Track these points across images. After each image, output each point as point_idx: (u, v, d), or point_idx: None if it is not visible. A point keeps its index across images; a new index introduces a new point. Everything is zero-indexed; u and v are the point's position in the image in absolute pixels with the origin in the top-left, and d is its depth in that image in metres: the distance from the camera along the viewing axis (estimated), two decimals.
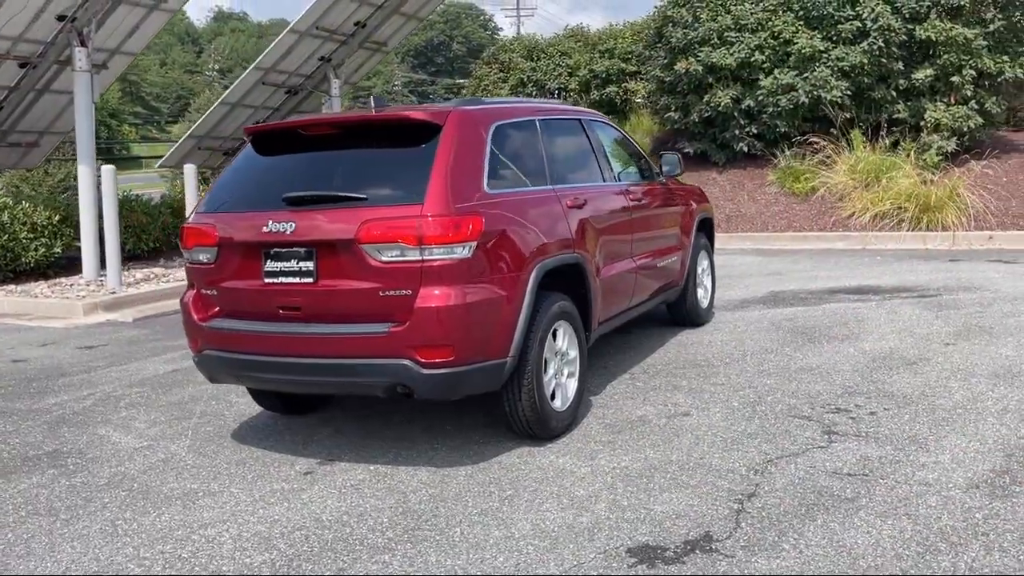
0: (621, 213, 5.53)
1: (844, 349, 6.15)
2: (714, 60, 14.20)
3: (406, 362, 3.94)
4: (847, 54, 13.51)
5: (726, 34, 14.29)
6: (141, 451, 4.82)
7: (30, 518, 3.95)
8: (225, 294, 4.39)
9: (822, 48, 13.68)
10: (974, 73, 13.29)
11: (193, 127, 16.93)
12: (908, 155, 13.05)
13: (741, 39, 14.20)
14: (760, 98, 14.07)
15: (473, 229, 3.98)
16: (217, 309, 4.46)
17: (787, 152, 14.21)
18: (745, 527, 3.44)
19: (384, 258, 3.94)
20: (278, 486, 4.19)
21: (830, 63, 13.61)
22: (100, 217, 10.70)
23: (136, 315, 9.18)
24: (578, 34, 22.46)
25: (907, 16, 13.40)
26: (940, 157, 13.15)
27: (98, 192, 10.87)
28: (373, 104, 4.69)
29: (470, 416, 5.01)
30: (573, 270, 4.72)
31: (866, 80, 13.64)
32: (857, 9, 13.60)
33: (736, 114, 14.42)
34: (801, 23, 13.99)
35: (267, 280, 4.24)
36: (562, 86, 20.82)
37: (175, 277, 11.04)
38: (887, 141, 13.58)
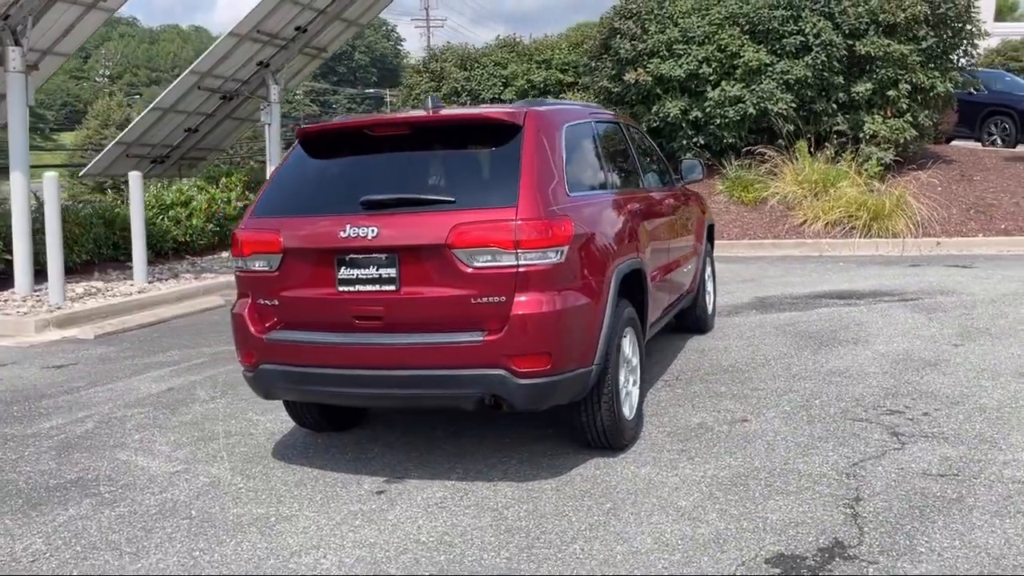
0: (661, 218, 5.50)
1: (860, 352, 6.26)
2: (663, 71, 14.43)
3: (501, 372, 3.77)
4: (791, 68, 13.95)
5: (674, 46, 14.54)
6: (180, 476, 4.46)
7: (90, 554, 3.59)
8: (289, 304, 4.11)
9: (768, 62, 14.08)
10: (909, 87, 13.92)
11: (122, 134, 16.10)
12: (850, 165, 13.55)
13: (689, 51, 14.47)
14: (708, 109, 14.36)
15: (565, 233, 3.85)
16: (278, 320, 4.17)
17: (734, 162, 14.54)
18: (871, 532, 3.41)
19: (477, 264, 3.76)
20: (355, 507, 3.93)
21: (775, 76, 14.02)
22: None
23: (97, 331, 8.58)
24: (511, 44, 22.49)
25: (847, 32, 13.93)
26: (880, 167, 13.71)
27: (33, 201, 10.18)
28: (431, 103, 4.49)
29: (516, 428, 4.85)
30: (636, 276, 4.64)
31: (809, 93, 14.11)
32: (800, 24, 14.06)
33: (684, 125, 14.67)
34: (747, 37, 14.37)
35: (341, 289, 3.99)
36: (496, 96, 20.81)
37: (120, 291, 10.43)
38: (830, 152, 14.06)
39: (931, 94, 14.08)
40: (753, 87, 14.04)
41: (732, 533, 3.46)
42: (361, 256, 3.93)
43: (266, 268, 4.14)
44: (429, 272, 3.86)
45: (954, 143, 17.61)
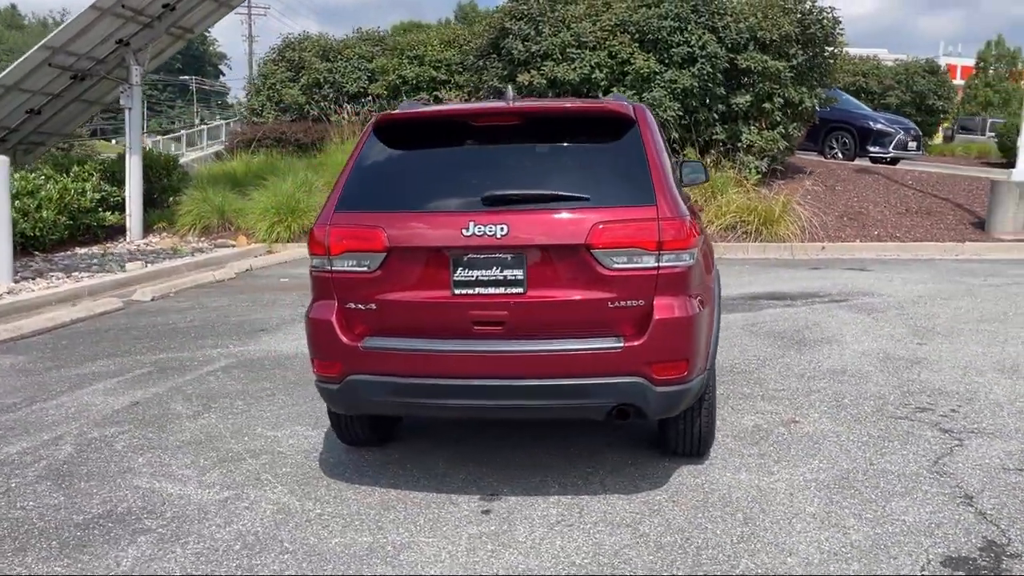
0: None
1: (842, 352, 6.54)
2: (557, 75, 14.53)
3: (639, 380, 3.57)
4: (679, 77, 14.47)
5: (568, 50, 14.68)
6: (235, 503, 3.92)
7: None
8: (390, 308, 3.69)
9: (657, 70, 14.53)
10: (782, 101, 14.83)
11: None
12: (730, 173, 14.26)
13: (582, 56, 14.66)
14: None
15: (695, 234, 3.72)
16: (374, 326, 3.74)
17: None
18: (1012, 529, 3.53)
19: (616, 265, 3.55)
20: (473, 530, 3.61)
21: (664, 85, 14.49)
22: None
23: None
24: (374, 37, 21.89)
25: (729, 46, 14.63)
26: (758, 176, 14.52)
27: None
28: (510, 95, 4.19)
29: (575, 437, 4.66)
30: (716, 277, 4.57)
31: (694, 103, 14.69)
32: (687, 35, 14.61)
33: None
34: (637, 45, 14.75)
35: (457, 292, 3.63)
36: (362, 90, 20.20)
37: None
38: (711, 160, 14.72)
39: (800, 108, 15.09)
40: (644, 94, 14.42)
41: (887, 538, 3.47)
42: (483, 256, 3.59)
43: (363, 268, 3.70)
44: (560, 273, 3.60)
45: (799, 155, 18.98)
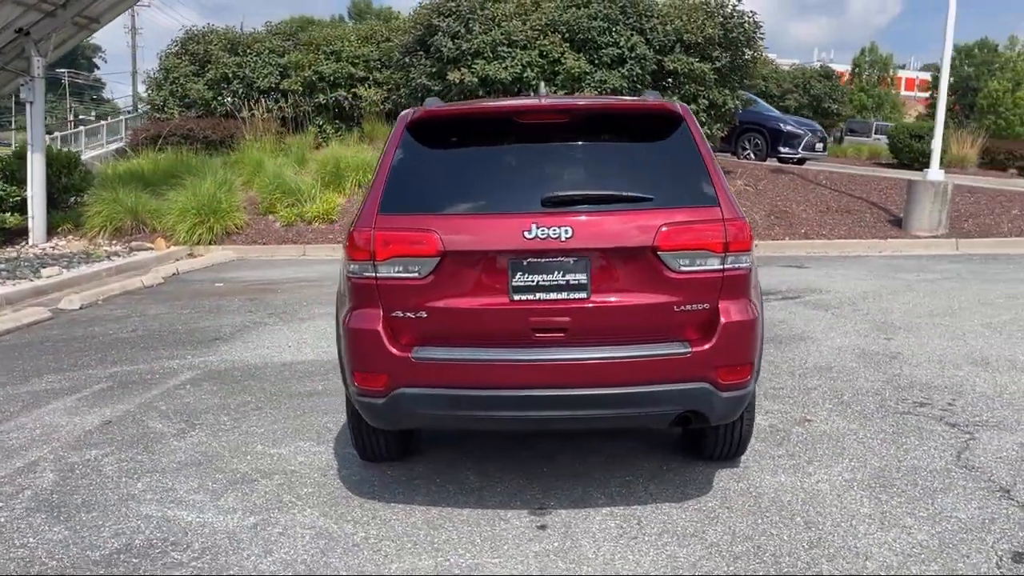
0: None
1: (819, 348, 6.66)
2: (489, 73, 14.38)
3: (706, 386, 3.48)
4: (609, 77, 14.57)
5: (499, 48, 14.56)
6: (263, 529, 3.62)
7: None
8: (442, 316, 3.47)
9: (587, 70, 14.59)
10: (707, 103, 15.14)
11: None
12: None
13: (514, 55, 14.57)
14: None
15: (751, 235, 3.65)
16: (423, 336, 3.51)
17: None
18: None
19: (683, 268, 3.44)
20: (537, 547, 3.44)
21: (595, 84, 14.55)
22: None
23: None
24: (284, 31, 21.20)
25: (657, 48, 14.84)
26: None
27: None
28: (544, 91, 4.03)
29: (599, 443, 4.55)
30: None
31: None
32: (615, 36, 14.73)
33: None
34: (568, 45, 14.76)
35: (516, 297, 3.44)
36: (273, 86, 19.51)
37: None
38: None
39: (723, 110, 15.44)
40: (575, 94, 14.46)
41: (950, 536, 3.50)
42: (544, 260, 3.42)
43: (412, 274, 3.46)
44: (625, 277, 3.46)
45: (716, 156, 19.50)
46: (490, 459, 4.37)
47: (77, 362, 6.57)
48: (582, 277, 3.43)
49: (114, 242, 13.78)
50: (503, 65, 14.48)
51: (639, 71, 14.59)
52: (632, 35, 14.67)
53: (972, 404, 5.21)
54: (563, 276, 3.43)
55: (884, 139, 28.62)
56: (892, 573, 3.21)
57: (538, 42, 14.68)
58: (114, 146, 22.99)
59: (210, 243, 13.56)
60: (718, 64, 15.14)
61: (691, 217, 3.46)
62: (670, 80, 15.05)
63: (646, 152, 3.73)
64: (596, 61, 14.75)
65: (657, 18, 14.90)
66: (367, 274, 3.53)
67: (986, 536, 3.48)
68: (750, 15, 15.45)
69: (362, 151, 16.46)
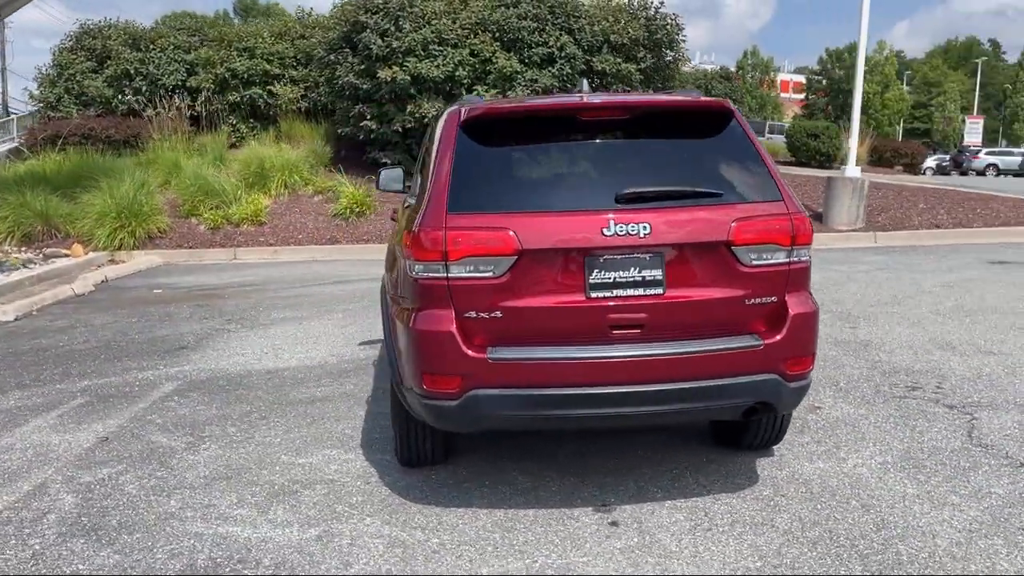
0: None
1: None
2: (422, 71, 14.24)
3: (775, 377, 3.56)
4: (539, 77, 14.68)
5: (430, 47, 14.44)
6: (330, 541, 3.50)
7: None
8: (517, 316, 3.41)
9: (518, 69, 14.64)
10: None
11: None
12: None
13: (445, 53, 14.47)
14: None
15: (812, 229, 3.76)
16: (496, 336, 3.45)
17: None
18: None
19: (755, 262, 3.51)
20: (619, 544, 3.44)
21: (526, 84, 14.63)
22: None
23: None
24: (190, 27, 20.42)
25: (585, 48, 15.05)
26: None
27: None
28: (585, 88, 4.03)
29: (629, 437, 4.60)
30: None
31: None
32: (545, 36, 14.85)
33: None
34: (498, 44, 14.78)
35: (593, 295, 3.43)
36: (180, 83, 18.76)
37: None
38: None
39: None
40: (508, 93, 14.50)
41: (1000, 511, 3.69)
42: (620, 257, 3.43)
43: (487, 274, 3.40)
44: (698, 272, 3.51)
45: None
46: (528, 458, 4.34)
47: (39, 376, 6.15)
48: (658, 273, 3.45)
49: (24, 249, 12.93)
50: (435, 63, 14.38)
51: (569, 70, 14.76)
52: (561, 35, 14.83)
53: (958, 387, 5.51)
54: (639, 272, 3.44)
55: (777, 138, 29.88)
56: (965, 549, 3.36)
57: (468, 41, 14.65)
58: (5, 147, 21.56)
59: (132, 248, 12.91)
60: (643, 65, 15.48)
61: (761, 212, 3.53)
62: (598, 80, 15.28)
63: (704, 148, 3.78)
64: (527, 60, 14.83)
65: (584, 18, 15.12)
66: (437, 275, 3.45)
67: None
68: (672, 17, 15.90)
69: (285, 151, 16.04)
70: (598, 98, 3.96)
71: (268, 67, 18.36)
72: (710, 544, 3.43)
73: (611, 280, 3.43)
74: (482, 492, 3.97)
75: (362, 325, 7.68)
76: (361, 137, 15.16)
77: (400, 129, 14.65)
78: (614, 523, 3.64)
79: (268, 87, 18.30)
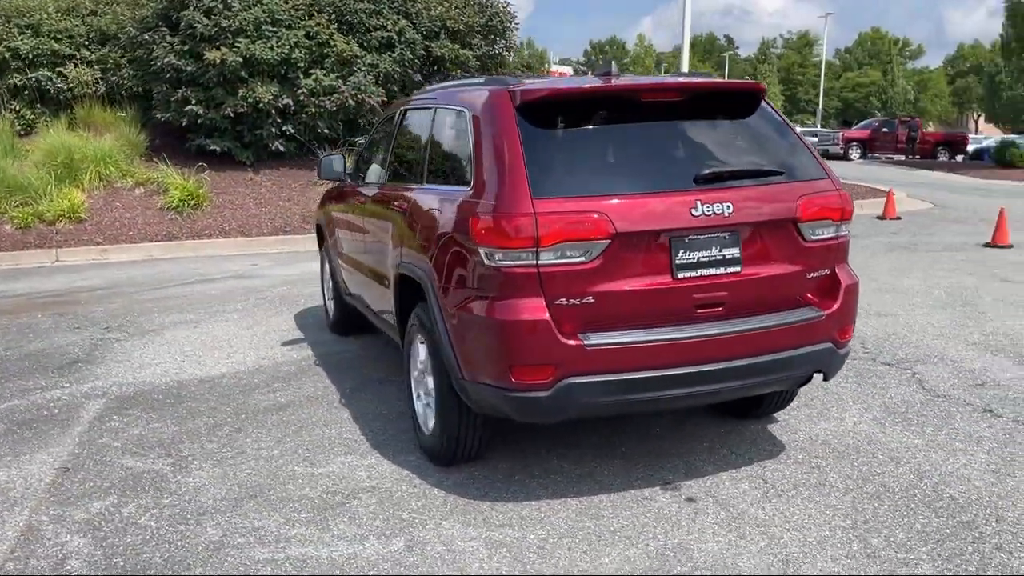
0: None
1: None
2: (255, 53, 13.39)
3: (829, 346, 3.76)
4: (380, 62, 14.30)
5: (263, 27, 13.61)
6: (423, 549, 3.29)
7: None
8: (606, 300, 3.35)
9: (358, 53, 14.18)
10: None
11: None
12: None
13: (279, 34, 13.71)
14: (301, 98, 13.82)
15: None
16: (586, 322, 3.36)
17: (327, 152, 14.30)
18: None
19: (814, 237, 3.68)
20: (710, 518, 3.51)
21: (366, 68, 14.21)
22: None
23: None
24: None
25: (424, 33, 14.84)
26: None
27: None
28: (615, 70, 3.99)
29: (630, 419, 4.69)
30: None
31: (394, 88, 14.65)
32: (383, 20, 14.48)
33: (273, 112, 13.85)
34: (335, 27, 14.21)
35: (680, 275, 3.44)
36: None
37: None
38: None
39: None
40: (349, 78, 14.00)
41: (1000, 450, 4.13)
42: (703, 236, 3.46)
43: (579, 259, 3.31)
44: (769, 248, 3.62)
45: None
46: (559, 446, 4.29)
47: None
48: (736, 251, 3.53)
49: None
50: (269, 45, 13.57)
51: (410, 56, 14.51)
52: (399, 19, 14.54)
53: (881, 346, 6.08)
54: (720, 251, 3.50)
55: None
56: (1001, 487, 3.74)
57: (304, 22, 13.97)
58: None
59: None
60: (478, 52, 15.53)
61: (818, 189, 3.71)
62: (436, 67, 15.15)
63: (750, 128, 3.89)
64: (366, 44, 14.39)
65: (422, 3, 14.90)
66: (525, 262, 3.31)
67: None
68: (504, 4, 16.04)
69: (91, 140, 14.50)
70: (647, 80, 3.97)
71: (57, 46, 16.44)
72: (791, 508, 3.58)
73: (695, 260, 3.47)
74: (539, 483, 3.88)
75: (268, 325, 7.18)
76: (184, 123, 13.98)
77: (232, 114, 13.69)
78: (691, 499, 3.70)
79: (58, 69, 16.42)
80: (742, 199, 3.52)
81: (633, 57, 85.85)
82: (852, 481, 3.84)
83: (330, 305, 6.84)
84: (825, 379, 3.92)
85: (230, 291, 8.88)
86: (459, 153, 3.97)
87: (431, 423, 4.07)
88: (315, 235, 7.39)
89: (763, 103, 3.96)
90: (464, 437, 3.87)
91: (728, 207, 3.47)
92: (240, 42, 13.41)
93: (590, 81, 4.00)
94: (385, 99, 14.41)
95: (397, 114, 5.23)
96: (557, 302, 3.34)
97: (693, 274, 3.47)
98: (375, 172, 5.44)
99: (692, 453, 4.19)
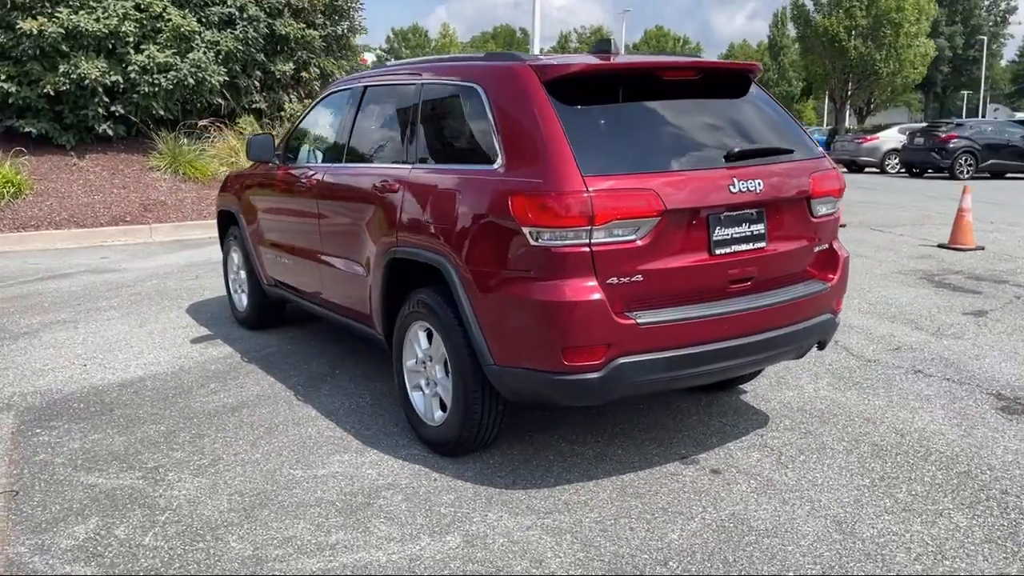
0: None
1: None
2: (79, 24, 12.11)
3: (831, 316, 3.96)
4: (220, 39, 13.40)
5: None
6: (483, 544, 3.15)
7: None
8: (652, 278, 3.31)
9: (197, 29, 13.19)
10: (319, 71, 14.89)
11: None
12: None
13: (106, 5, 12.47)
14: (133, 75, 12.68)
15: None
16: (634, 301, 3.31)
17: (164, 136, 13.23)
18: None
19: (820, 212, 3.85)
20: (744, 488, 3.59)
21: (207, 46, 13.26)
22: None
23: None
24: None
25: (268, 11, 14.04)
26: None
27: None
28: (613, 48, 3.94)
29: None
30: None
31: (236, 68, 13.78)
32: None
33: (100, 91, 12.60)
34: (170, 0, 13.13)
35: (717, 252, 3.47)
36: None
37: None
38: (251, 130, 14.01)
39: (332, 78, 15.30)
40: (188, 55, 13.00)
41: (970, 410, 4.48)
42: (735, 213, 3.51)
43: (630, 237, 3.26)
44: (785, 224, 3.73)
45: None
46: (552, 429, 4.24)
47: None
48: (761, 227, 3.62)
49: None
50: (94, 16, 12.32)
51: (253, 33, 13.70)
52: None
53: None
54: (749, 227, 3.58)
55: None
56: (970, 439, 4.10)
57: None
58: None
59: None
60: (324, 32, 14.95)
61: (823, 166, 3.88)
62: (280, 47, 14.42)
63: (751, 106, 3.97)
64: (205, 20, 13.42)
65: None
66: (577, 241, 3.22)
67: (985, 391, 4.62)
68: None
69: None
70: (670, 57, 3.97)
71: None
72: (812, 473, 3.74)
73: (729, 237, 3.53)
74: (560, 467, 3.81)
75: (162, 323, 6.55)
76: None
77: (51, 93, 12.31)
78: (715, 471, 3.77)
79: None
80: (769, 176, 3.61)
81: (437, 47, 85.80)
82: (847, 443, 4.06)
83: (240, 299, 6.34)
84: (820, 348, 4.11)
85: (91, 287, 8.01)
86: (472, 130, 3.78)
87: (438, 413, 3.88)
88: (216, 223, 6.81)
89: (757, 85, 4.08)
90: (486, 424, 3.73)
91: (759, 184, 3.54)
92: (61, 12, 12.08)
93: (605, 58, 3.94)
94: (227, 79, 13.55)
95: (353, 91, 4.91)
96: (609, 281, 3.28)
97: (728, 251, 3.53)
98: (322, 154, 5.09)
99: (689, 427, 4.27)
